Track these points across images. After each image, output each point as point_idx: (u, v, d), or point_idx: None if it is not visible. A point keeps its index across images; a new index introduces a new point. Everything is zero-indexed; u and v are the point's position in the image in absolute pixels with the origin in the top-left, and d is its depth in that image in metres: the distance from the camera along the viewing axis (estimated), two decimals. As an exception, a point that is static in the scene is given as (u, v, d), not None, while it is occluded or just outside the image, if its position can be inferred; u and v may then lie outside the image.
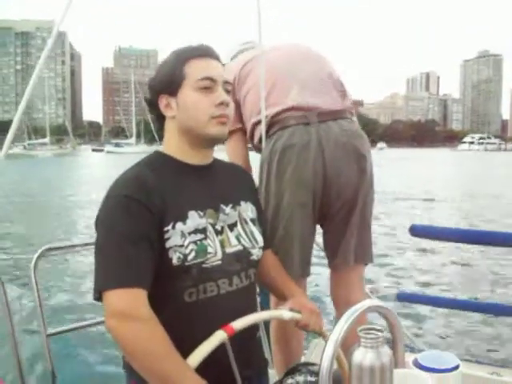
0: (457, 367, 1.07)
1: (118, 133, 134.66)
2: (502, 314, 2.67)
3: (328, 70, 1.90)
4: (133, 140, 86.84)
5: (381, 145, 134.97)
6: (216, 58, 1.27)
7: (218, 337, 1.07)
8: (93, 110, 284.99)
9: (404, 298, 2.53)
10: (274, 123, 1.78)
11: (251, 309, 1.26)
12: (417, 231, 2.12)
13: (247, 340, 1.23)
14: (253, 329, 1.24)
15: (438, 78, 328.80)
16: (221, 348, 1.08)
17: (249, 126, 1.88)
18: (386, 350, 0.89)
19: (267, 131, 1.80)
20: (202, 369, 1.03)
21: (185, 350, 1.04)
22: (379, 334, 0.89)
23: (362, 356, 0.88)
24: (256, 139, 1.86)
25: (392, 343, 1.04)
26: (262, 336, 1.66)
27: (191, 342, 1.06)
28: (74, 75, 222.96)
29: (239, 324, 1.11)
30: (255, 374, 1.29)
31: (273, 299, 1.76)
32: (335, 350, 0.91)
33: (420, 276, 6.94)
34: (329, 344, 0.91)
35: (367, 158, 1.80)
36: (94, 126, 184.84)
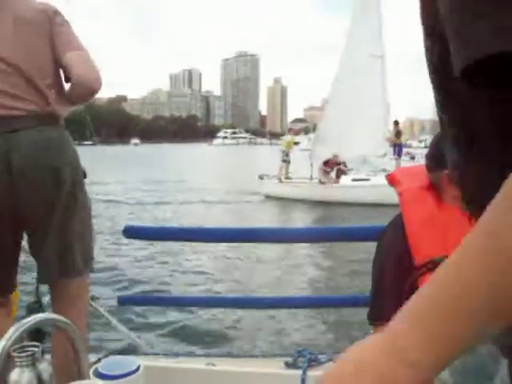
0: (137, 370, 1.09)
1: None
2: (228, 306, 3.06)
3: (29, 62, 1.71)
4: None
5: (135, 141, 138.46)
6: None
7: None
8: None
9: (125, 301, 2.46)
10: None
11: None
12: (130, 233, 2.06)
13: None
14: None
15: (200, 75, 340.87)
16: None
17: None
18: (45, 366, 0.85)
19: None
20: None
21: None
22: (35, 349, 0.84)
23: (18, 376, 0.82)
24: None
25: (75, 356, 1.00)
26: None
27: None
28: None
29: None
30: None
31: None
32: None
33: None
34: None
35: (61, 170, 1.72)
36: None
